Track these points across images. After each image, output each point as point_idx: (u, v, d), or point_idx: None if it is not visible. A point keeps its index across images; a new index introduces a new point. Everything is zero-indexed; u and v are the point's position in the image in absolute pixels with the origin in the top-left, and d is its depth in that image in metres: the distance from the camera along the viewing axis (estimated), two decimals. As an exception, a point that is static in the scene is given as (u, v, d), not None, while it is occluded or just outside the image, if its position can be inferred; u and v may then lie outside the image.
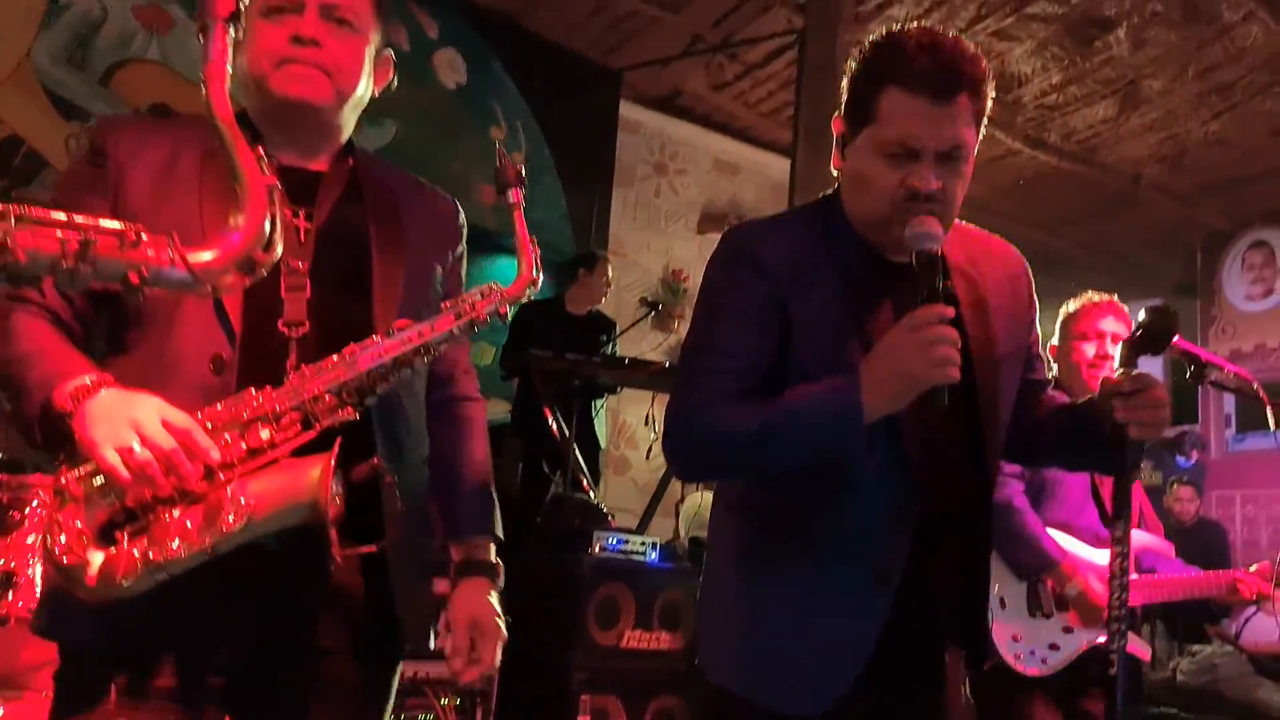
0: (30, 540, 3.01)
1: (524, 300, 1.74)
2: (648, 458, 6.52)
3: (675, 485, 5.43)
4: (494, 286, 1.69)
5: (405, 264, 1.73)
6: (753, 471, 1.71)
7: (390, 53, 1.83)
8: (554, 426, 4.90)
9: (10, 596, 2.96)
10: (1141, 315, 1.72)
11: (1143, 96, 6.77)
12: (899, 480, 1.64)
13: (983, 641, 1.80)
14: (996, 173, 7.52)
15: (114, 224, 1.14)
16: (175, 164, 1.64)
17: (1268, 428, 2.89)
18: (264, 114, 1.70)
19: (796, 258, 1.69)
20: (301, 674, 1.61)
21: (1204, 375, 2.81)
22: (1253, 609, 5.12)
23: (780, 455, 1.61)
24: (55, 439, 1.47)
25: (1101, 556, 3.29)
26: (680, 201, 7.91)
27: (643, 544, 4.07)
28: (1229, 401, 8.06)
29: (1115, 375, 1.69)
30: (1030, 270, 1.90)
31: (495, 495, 1.88)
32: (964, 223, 1.81)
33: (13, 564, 2.99)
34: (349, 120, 1.79)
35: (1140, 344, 1.70)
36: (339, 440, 1.49)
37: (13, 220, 1.08)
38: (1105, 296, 3.31)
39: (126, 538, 1.44)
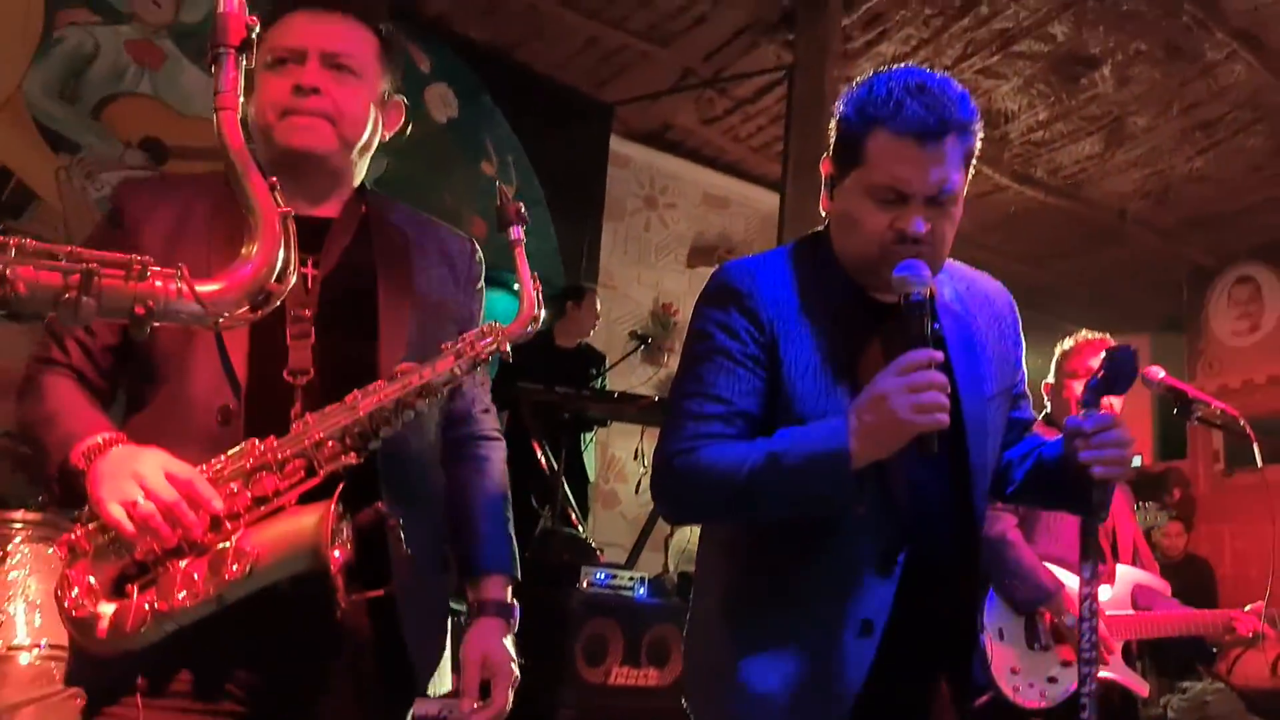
0: (12, 577, 2.99)
1: (525, 338, 1.75)
2: (637, 492, 6.50)
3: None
4: (495, 325, 1.70)
5: (414, 307, 1.74)
6: (740, 517, 1.70)
7: (401, 98, 1.85)
8: (542, 460, 4.88)
9: (-9, 633, 2.94)
10: (1102, 356, 1.72)
11: (1128, 133, 6.83)
12: (886, 524, 1.62)
13: (970, 680, 1.79)
14: (984, 208, 7.56)
15: (119, 256, 1.11)
16: (187, 218, 1.67)
17: (1256, 463, 2.90)
18: (272, 163, 1.72)
19: (786, 298, 1.69)
20: (308, 717, 1.61)
21: (1190, 412, 2.83)
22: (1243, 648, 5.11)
23: (768, 501, 1.60)
24: (74, 497, 1.52)
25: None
26: (670, 235, 7.94)
27: (631, 579, 4.05)
28: (1218, 436, 8.07)
29: (1079, 416, 1.69)
30: (1016, 307, 1.90)
31: (513, 534, 1.86)
32: (952, 260, 1.81)
33: (-6, 601, 2.97)
34: (359, 165, 1.82)
35: (1102, 385, 1.70)
36: (340, 487, 1.50)
37: (13, 253, 1.06)
38: (1098, 335, 3.34)
39: (136, 590, 1.47)
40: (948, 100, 1.62)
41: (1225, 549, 8.06)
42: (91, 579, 1.47)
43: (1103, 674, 3.24)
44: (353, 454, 1.56)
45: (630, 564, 4.83)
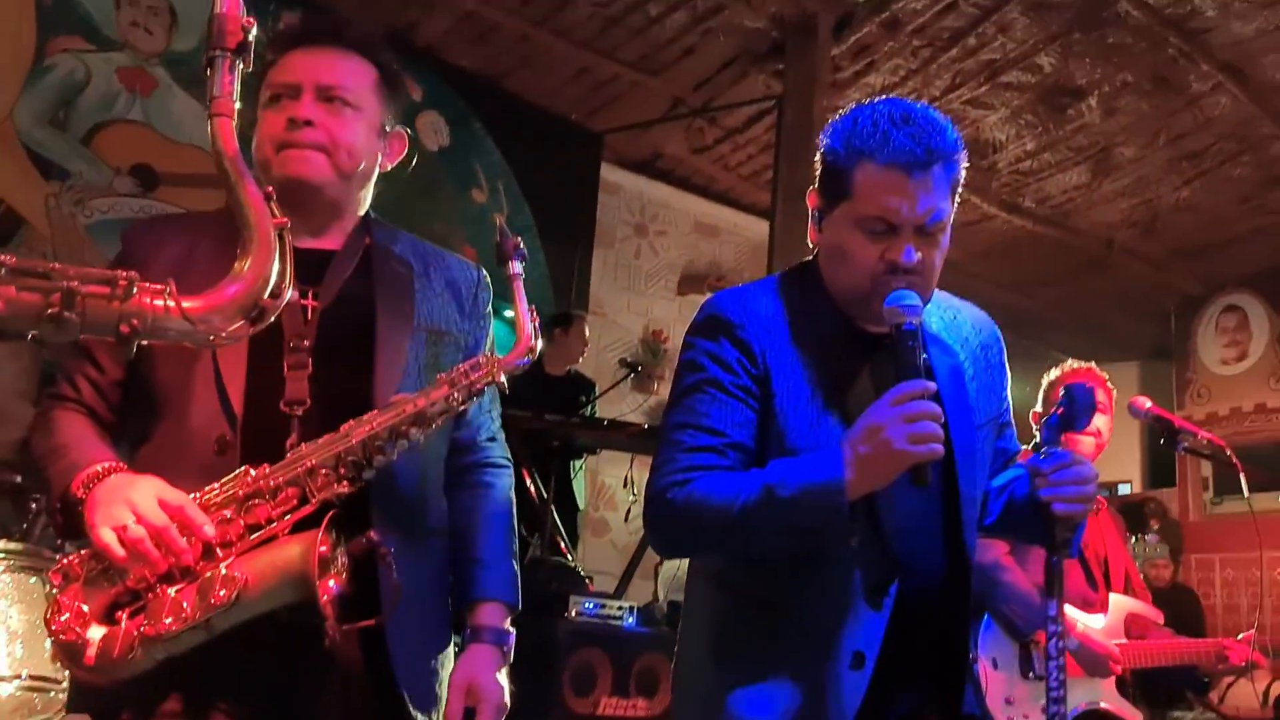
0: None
1: (521, 370, 1.75)
2: (626, 520, 6.48)
3: (654, 547, 5.39)
4: (490, 356, 1.72)
5: (414, 338, 1.75)
6: (733, 550, 1.68)
7: (403, 129, 1.87)
8: (531, 488, 4.86)
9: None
10: (1062, 395, 1.73)
11: (1115, 163, 6.88)
12: (877, 556, 1.62)
13: (961, 711, 1.77)
14: (972, 237, 7.60)
15: (105, 273, 1.09)
16: (193, 253, 1.69)
17: (1243, 492, 2.90)
18: (276, 198, 1.73)
19: (776, 329, 1.69)
20: None
21: (1177, 441, 2.83)
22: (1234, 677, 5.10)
23: (762, 535, 1.59)
24: (74, 527, 1.53)
25: (1090, 620, 3.29)
26: (660, 263, 7.96)
27: (620, 608, 4.03)
28: (1207, 464, 8.09)
29: (1039, 453, 1.69)
30: (1001, 337, 1.91)
31: (515, 563, 1.86)
32: (937, 289, 1.81)
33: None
34: (361, 195, 1.83)
35: (1060, 423, 1.71)
36: (329, 516, 1.51)
37: None
38: (1083, 364, 3.36)
39: (126, 617, 1.47)
40: (933, 130, 1.63)
41: (1215, 577, 8.07)
42: (82, 605, 1.47)
43: (1105, 703, 3.23)
44: (345, 483, 1.56)
45: (620, 592, 4.81)
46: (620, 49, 6.24)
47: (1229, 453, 2.96)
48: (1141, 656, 3.33)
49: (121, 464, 1.57)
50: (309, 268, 1.72)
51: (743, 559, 1.69)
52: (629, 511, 6.39)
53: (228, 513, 1.52)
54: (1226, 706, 5.49)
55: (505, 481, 1.91)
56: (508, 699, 1.76)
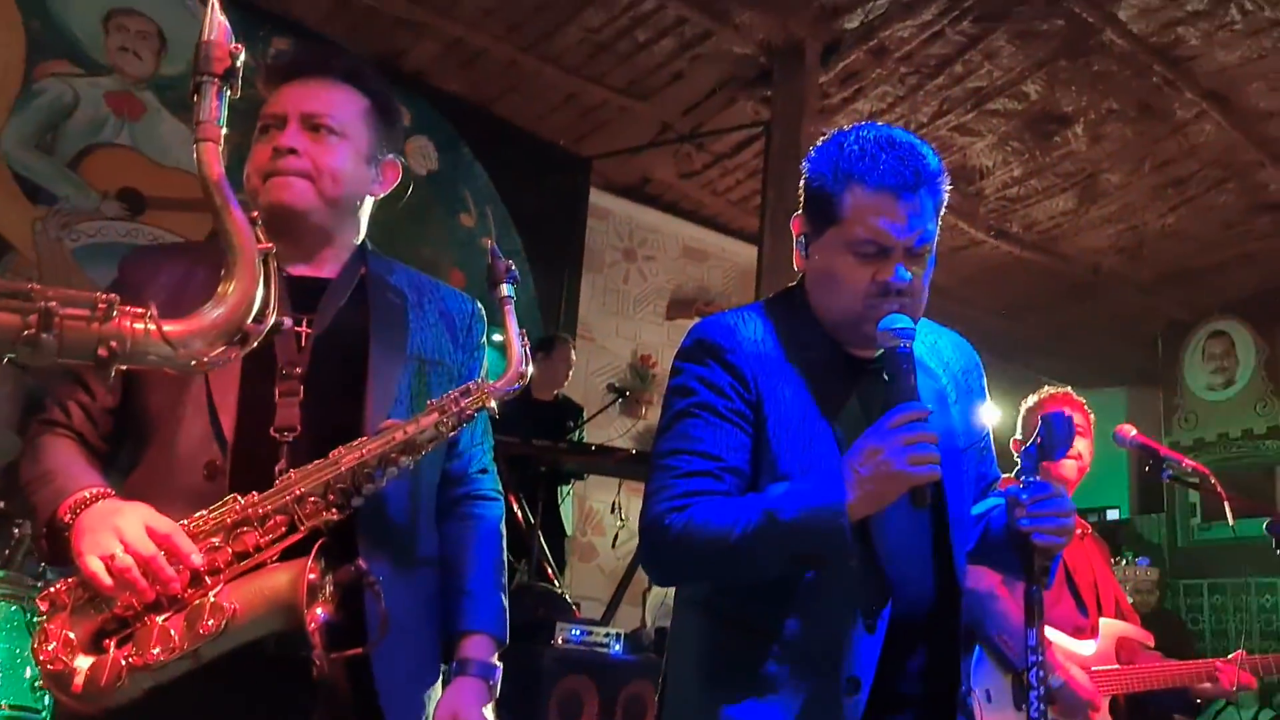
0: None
1: (512, 395, 1.75)
2: (614, 545, 6.45)
3: (642, 573, 5.36)
4: (480, 382, 1.72)
5: (406, 368, 1.76)
6: (732, 576, 1.66)
7: (394, 157, 1.88)
8: (518, 513, 4.84)
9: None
10: (1039, 425, 1.73)
11: (1101, 189, 6.92)
12: (870, 581, 1.61)
13: None
14: (960, 262, 7.63)
15: (85, 295, 1.07)
16: (189, 280, 1.71)
17: (1228, 519, 2.90)
18: (265, 226, 1.74)
19: (766, 353, 1.69)
20: None
21: (1162, 469, 2.84)
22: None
23: (762, 559, 1.58)
24: (61, 553, 1.53)
25: (1082, 646, 3.28)
26: (649, 287, 7.96)
27: (606, 635, 4.00)
28: (1194, 490, 8.10)
29: (1017, 484, 1.70)
30: (981, 362, 1.91)
31: (503, 596, 1.86)
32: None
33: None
34: (353, 222, 1.84)
35: (1038, 452, 1.71)
36: (318, 543, 1.51)
37: None
38: (1060, 388, 3.38)
39: (113, 645, 1.46)
40: (918, 154, 1.66)
41: (1204, 603, 8.06)
42: (69, 633, 1.47)
43: None
44: (334, 510, 1.57)
45: (607, 619, 4.78)
46: (609, 75, 6.26)
47: (1213, 480, 2.97)
48: (1132, 680, 3.32)
49: (109, 490, 1.56)
50: (304, 295, 1.74)
51: (740, 585, 1.67)
52: (616, 537, 6.36)
53: (216, 540, 1.52)
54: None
55: (496, 514, 1.92)
56: None
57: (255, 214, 1.15)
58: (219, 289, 1.10)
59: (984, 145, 6.55)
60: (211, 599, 1.47)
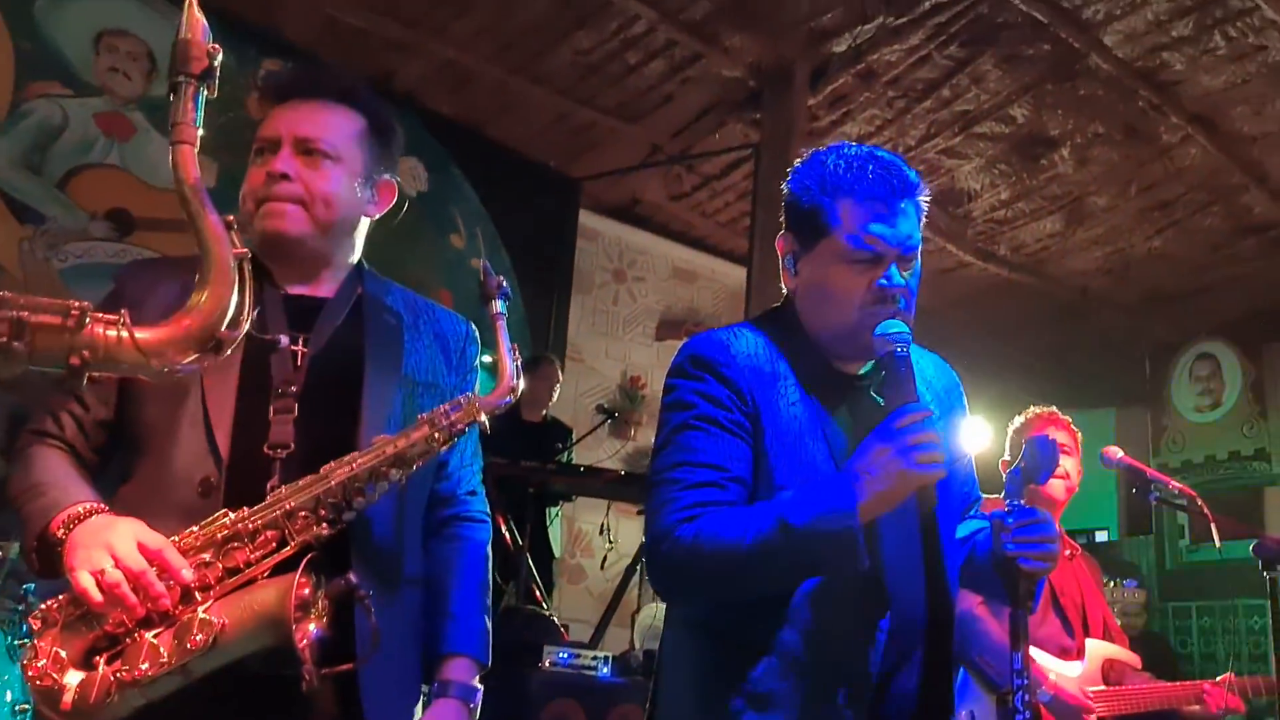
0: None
1: (502, 409, 1.76)
2: (603, 567, 6.43)
3: (631, 595, 5.35)
4: (471, 396, 1.73)
5: (401, 389, 1.77)
6: (746, 587, 1.63)
7: (390, 177, 1.88)
8: (507, 535, 4.83)
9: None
10: (1024, 449, 1.75)
11: (1087, 212, 6.96)
12: (869, 593, 1.62)
13: None
14: (948, 284, 7.66)
15: (57, 303, 1.04)
16: (187, 294, 1.68)
17: (1215, 541, 2.91)
18: (261, 250, 1.78)
19: (759, 367, 1.71)
20: None
21: (1149, 491, 2.85)
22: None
23: (775, 567, 1.57)
24: (52, 566, 1.53)
25: (1068, 667, 3.28)
26: (638, 308, 7.98)
27: (594, 658, 3.98)
28: (1182, 512, 8.10)
29: (1003, 508, 1.71)
30: (970, 384, 1.93)
31: (487, 618, 1.86)
32: None
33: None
34: (346, 244, 1.85)
35: (1023, 476, 1.73)
36: (307, 558, 1.51)
37: None
38: (1046, 409, 3.38)
39: (103, 662, 1.46)
40: (900, 166, 1.72)
41: (1192, 625, 8.06)
42: (60, 650, 1.46)
43: None
44: (325, 525, 1.57)
45: (595, 641, 4.76)
46: (599, 96, 6.29)
47: (1199, 503, 2.98)
48: (1120, 702, 3.32)
49: (102, 505, 1.56)
50: (300, 314, 1.75)
51: (750, 596, 1.65)
52: (605, 559, 6.35)
53: (206, 556, 1.52)
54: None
55: (483, 537, 1.92)
56: None
57: (230, 218, 1.11)
58: (192, 296, 1.08)
59: (971, 168, 6.58)
60: (201, 614, 1.46)
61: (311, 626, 1.47)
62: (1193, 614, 8.07)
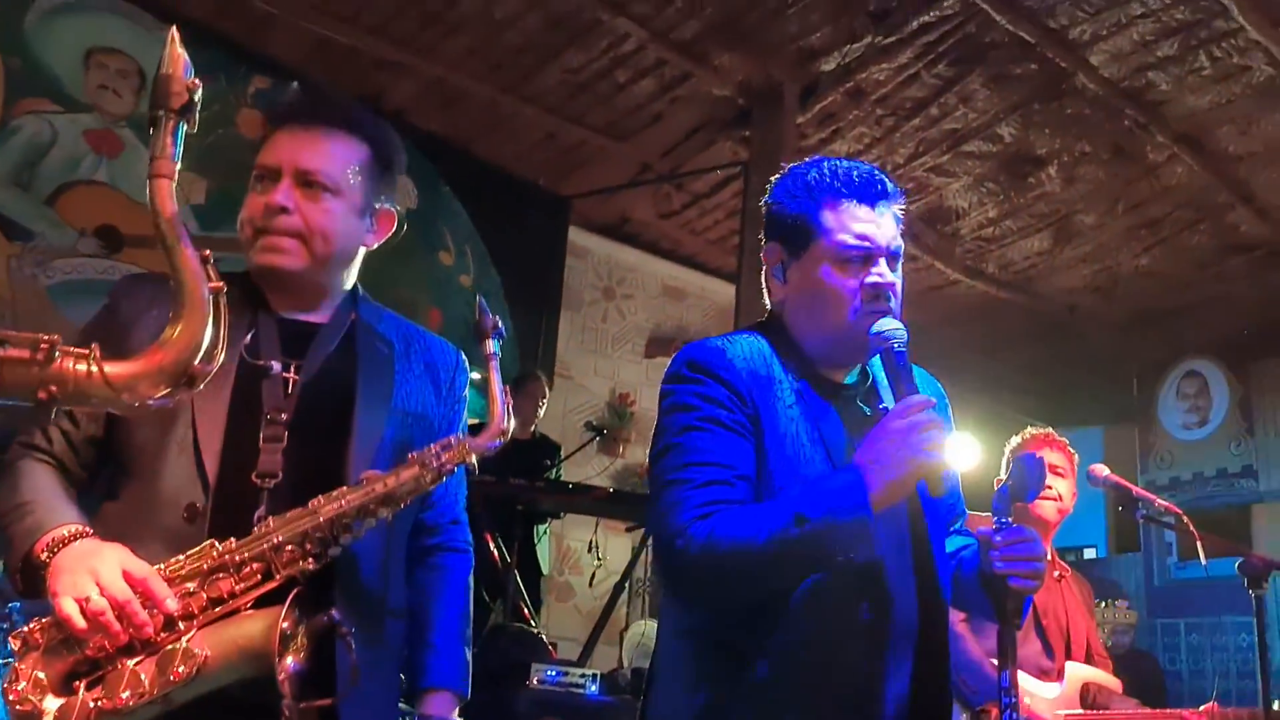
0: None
1: (492, 452, 1.75)
2: (591, 585, 6.42)
3: (619, 613, 5.34)
4: (461, 437, 1.72)
5: (391, 419, 1.76)
6: (763, 582, 1.62)
7: (390, 207, 1.87)
8: (495, 552, 4.81)
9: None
10: (1011, 466, 1.76)
11: (1075, 230, 6.99)
12: (871, 593, 1.64)
13: None
14: (936, 302, 7.68)
15: (26, 336, 1.03)
16: None
17: (1201, 559, 2.91)
18: (257, 275, 1.79)
19: (755, 370, 1.73)
20: None
21: (1136, 509, 2.85)
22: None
23: (791, 561, 1.57)
24: (35, 588, 1.52)
25: (1045, 689, 3.27)
26: (628, 326, 7.98)
27: (583, 676, 3.97)
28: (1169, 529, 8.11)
29: (992, 526, 1.72)
30: (959, 401, 1.95)
31: (467, 651, 1.86)
32: None
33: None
34: (343, 273, 1.85)
35: (1010, 494, 1.74)
36: (293, 592, 1.51)
37: None
38: (1043, 430, 3.38)
39: (83, 687, 1.45)
40: (878, 173, 1.79)
41: (1181, 643, 8.06)
42: (40, 673, 1.46)
43: None
44: (311, 560, 1.57)
45: (584, 659, 4.74)
46: (589, 115, 6.31)
47: (1186, 520, 2.98)
48: None
49: (87, 529, 1.55)
50: (294, 340, 1.75)
51: (764, 593, 1.65)
52: (594, 576, 6.33)
53: (190, 585, 1.52)
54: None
55: (465, 567, 1.93)
56: None
57: (207, 253, 1.11)
58: (166, 330, 1.08)
59: (960, 186, 6.61)
60: (184, 645, 1.46)
61: (289, 660, 1.47)
62: (1181, 631, 8.08)
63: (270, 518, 1.58)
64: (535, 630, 4.65)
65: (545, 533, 6.08)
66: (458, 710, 1.81)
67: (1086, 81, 5.50)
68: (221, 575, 1.53)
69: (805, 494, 1.58)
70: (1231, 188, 6.38)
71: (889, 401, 1.77)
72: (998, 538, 1.68)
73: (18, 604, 3.12)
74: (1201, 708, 3.32)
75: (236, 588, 1.53)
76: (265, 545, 1.54)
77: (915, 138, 6.18)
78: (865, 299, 1.70)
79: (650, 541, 5.48)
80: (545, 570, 6.24)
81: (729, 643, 1.67)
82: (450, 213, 6.61)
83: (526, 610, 4.88)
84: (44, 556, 1.51)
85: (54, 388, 1.00)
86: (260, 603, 1.53)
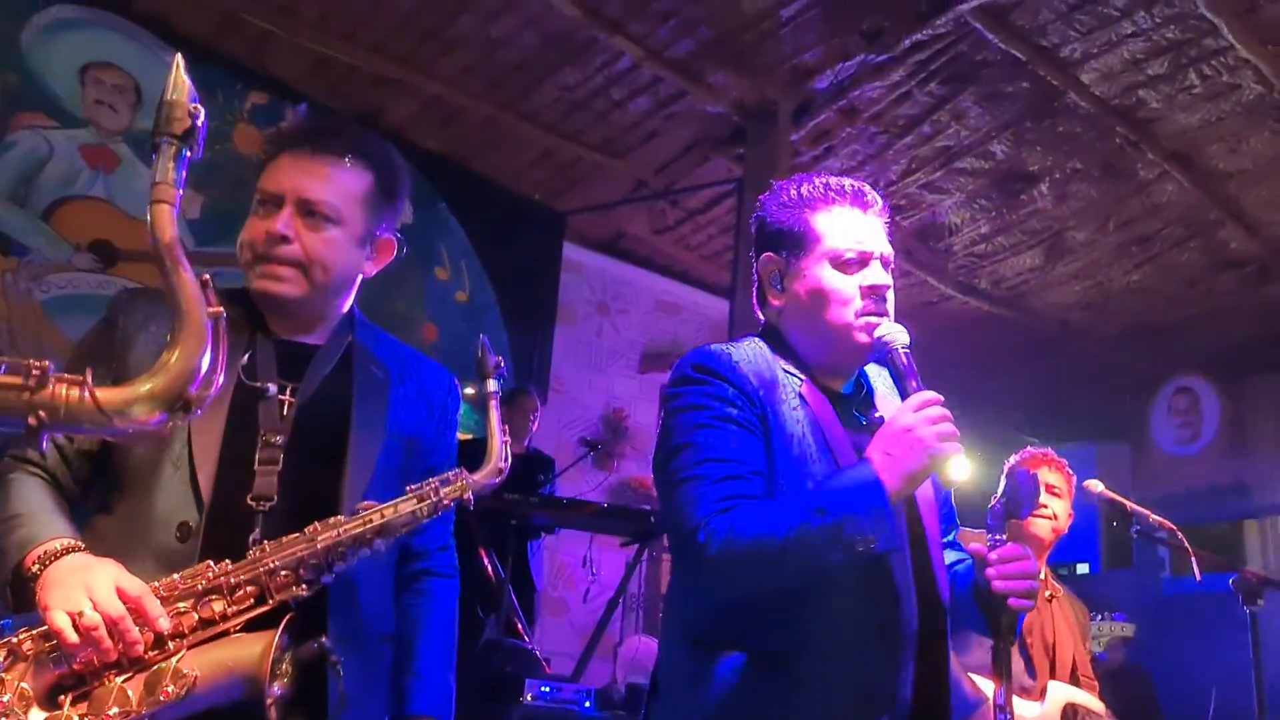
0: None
1: (490, 489, 1.77)
2: (585, 600, 6.41)
3: (613, 628, 5.33)
4: (460, 473, 1.74)
5: (385, 444, 1.77)
6: (784, 576, 1.62)
7: (390, 236, 1.88)
8: (489, 567, 4.81)
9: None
10: (1005, 483, 1.78)
11: (1067, 246, 7.03)
12: (881, 594, 1.66)
13: None
14: (930, 317, 7.70)
15: (19, 363, 1.03)
16: None
17: (1195, 575, 2.92)
18: (256, 298, 1.79)
19: (761, 372, 1.75)
20: None
21: (1129, 525, 2.86)
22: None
23: (812, 553, 1.58)
24: (25, 601, 1.51)
25: (1025, 708, 3.26)
26: (622, 341, 7.99)
27: (577, 692, 3.97)
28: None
29: (985, 544, 1.74)
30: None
31: (452, 677, 1.87)
32: (876, 365, 1.90)
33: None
34: (341, 298, 1.85)
35: (1005, 510, 1.75)
36: (287, 618, 1.51)
37: None
38: (1040, 449, 3.38)
39: (69, 702, 1.44)
40: (864, 185, 1.86)
41: (1173, 659, 8.05)
42: (26, 685, 1.44)
43: None
44: (304, 586, 1.57)
45: (577, 675, 4.74)
46: (585, 132, 6.34)
47: (1180, 536, 2.99)
48: None
49: (79, 543, 1.54)
50: (291, 363, 1.75)
51: (784, 586, 1.65)
52: (588, 591, 6.33)
53: (182, 605, 1.51)
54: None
55: (451, 593, 1.93)
56: None
57: (206, 277, 1.11)
58: (162, 356, 1.06)
59: (952, 203, 6.65)
60: (174, 664, 1.45)
61: (274, 686, 1.47)
62: (1174, 648, 8.07)
63: (266, 541, 1.58)
64: (529, 646, 4.64)
65: (539, 548, 6.07)
66: None
67: (1078, 99, 5.54)
68: (215, 596, 1.52)
69: (823, 487, 1.62)
70: (1222, 205, 6.42)
71: (885, 411, 1.81)
72: (993, 555, 1.69)
73: (9, 621, 3.12)
74: None
75: (228, 610, 1.53)
76: (260, 569, 1.54)
77: (908, 155, 6.22)
78: (864, 297, 1.75)
79: (645, 554, 5.47)
80: (539, 585, 6.23)
81: (738, 649, 1.68)
82: (447, 229, 6.63)
83: (520, 626, 4.87)
84: (35, 569, 1.50)
85: (44, 413, 0.99)
86: (249, 626, 1.53)
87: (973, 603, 1.76)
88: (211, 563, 1.55)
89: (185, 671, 1.45)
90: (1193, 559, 2.95)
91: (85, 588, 1.45)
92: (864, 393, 1.88)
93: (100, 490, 1.70)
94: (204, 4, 5.35)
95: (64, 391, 1.00)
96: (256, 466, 1.66)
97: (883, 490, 1.57)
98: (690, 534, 1.62)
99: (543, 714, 3.84)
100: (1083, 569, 8.50)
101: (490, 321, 6.64)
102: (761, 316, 1.92)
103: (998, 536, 1.71)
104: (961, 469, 1.65)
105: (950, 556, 1.89)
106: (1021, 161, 6.17)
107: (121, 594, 1.45)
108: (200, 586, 1.52)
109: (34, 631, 1.47)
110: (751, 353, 1.79)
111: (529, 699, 3.83)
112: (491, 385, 1.84)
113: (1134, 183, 6.29)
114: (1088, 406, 9.05)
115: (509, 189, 6.86)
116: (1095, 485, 3.07)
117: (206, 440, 1.64)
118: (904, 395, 1.69)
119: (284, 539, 1.58)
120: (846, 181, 1.83)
